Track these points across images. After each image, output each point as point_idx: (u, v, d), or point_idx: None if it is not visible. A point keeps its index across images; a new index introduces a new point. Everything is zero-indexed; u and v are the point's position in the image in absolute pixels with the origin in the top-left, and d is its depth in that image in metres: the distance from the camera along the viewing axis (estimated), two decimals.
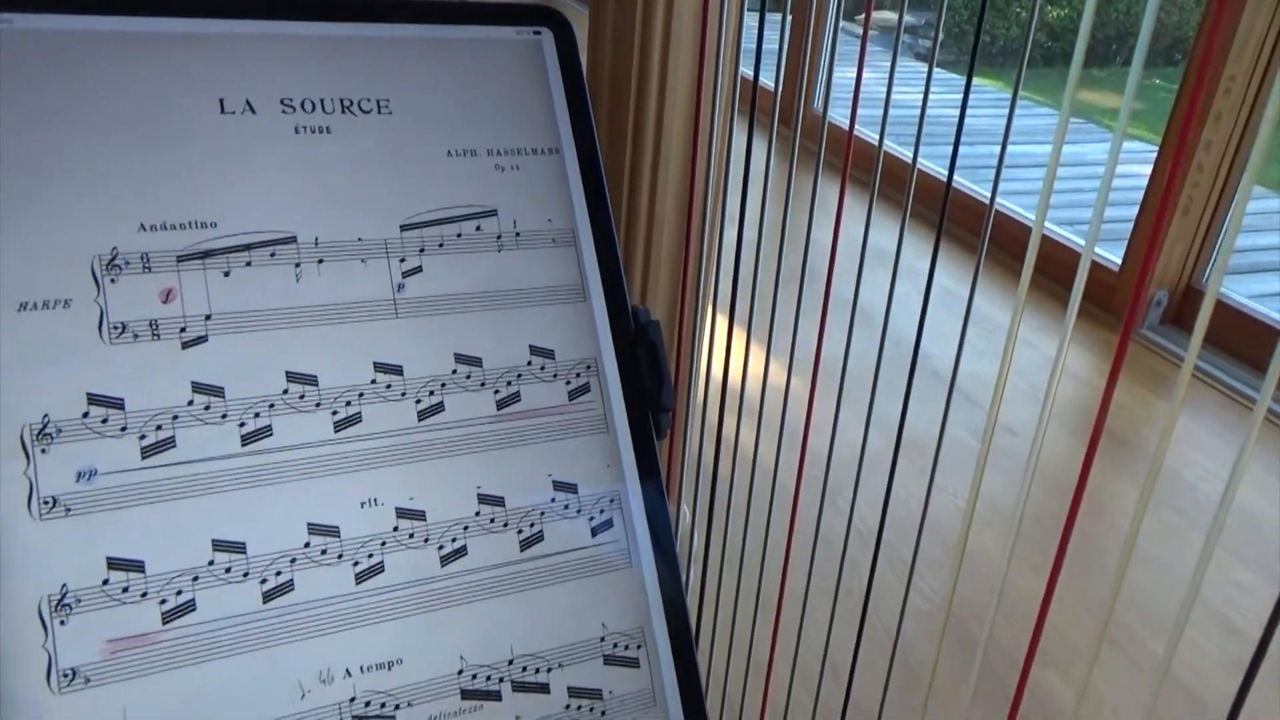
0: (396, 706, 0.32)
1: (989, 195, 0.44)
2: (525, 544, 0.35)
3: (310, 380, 0.33)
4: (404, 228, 0.35)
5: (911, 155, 0.53)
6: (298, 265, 0.33)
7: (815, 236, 0.58)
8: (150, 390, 0.30)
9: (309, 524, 0.32)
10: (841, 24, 0.71)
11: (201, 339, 0.31)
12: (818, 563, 0.63)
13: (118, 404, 0.30)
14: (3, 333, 0.29)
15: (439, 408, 0.34)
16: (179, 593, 0.30)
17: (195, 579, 0.30)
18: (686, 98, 0.47)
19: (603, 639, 0.35)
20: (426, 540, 0.33)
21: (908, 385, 0.54)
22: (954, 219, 2.23)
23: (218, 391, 0.31)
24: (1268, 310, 1.69)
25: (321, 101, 0.34)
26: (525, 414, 0.35)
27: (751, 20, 0.48)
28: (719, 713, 0.71)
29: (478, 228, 0.36)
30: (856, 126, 0.53)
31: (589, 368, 0.37)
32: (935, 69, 0.50)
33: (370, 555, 0.32)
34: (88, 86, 0.31)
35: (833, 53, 0.53)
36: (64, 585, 0.29)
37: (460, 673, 0.33)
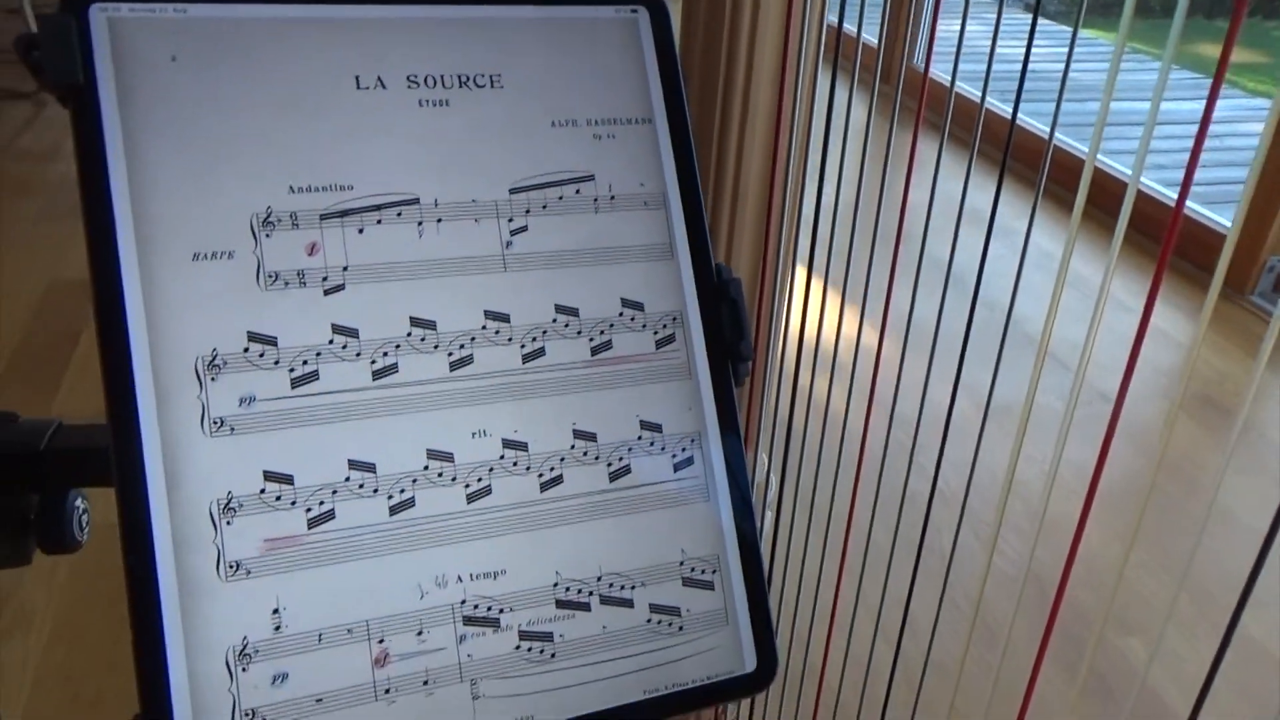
0: (500, 611, 0.37)
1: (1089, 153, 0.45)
2: (614, 475, 0.39)
3: (430, 325, 0.37)
4: (512, 191, 0.39)
5: (1012, 111, 0.53)
6: (420, 224, 0.38)
7: (897, 195, 0.59)
8: (298, 330, 0.36)
9: (428, 450, 0.37)
10: None
11: (340, 287, 0.36)
12: (893, 522, 0.66)
13: (272, 341, 0.35)
14: (182, 279, 0.34)
15: (540, 352, 0.38)
16: (321, 503, 0.35)
17: (334, 492, 0.35)
18: (773, 67, 0.50)
19: (681, 563, 0.39)
20: (528, 468, 0.38)
21: (1000, 348, 0.55)
22: (1056, 179, 2.16)
23: (353, 333, 0.36)
24: None
25: (442, 77, 0.39)
26: (616, 360, 0.39)
27: None
28: (788, 644, 0.75)
29: (577, 191, 0.40)
30: (957, 83, 0.54)
31: (675, 320, 0.41)
32: (1042, 20, 0.50)
33: (479, 479, 0.37)
34: (249, 67, 0.36)
35: (937, 3, 0.54)
36: (230, 492, 0.34)
37: (555, 585, 0.38)
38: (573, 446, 0.38)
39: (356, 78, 0.38)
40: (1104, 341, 0.48)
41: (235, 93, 0.36)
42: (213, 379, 0.34)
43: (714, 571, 0.40)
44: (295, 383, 0.35)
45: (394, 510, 0.36)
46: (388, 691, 0.35)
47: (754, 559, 0.40)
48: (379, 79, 0.38)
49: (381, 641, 0.35)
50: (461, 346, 0.38)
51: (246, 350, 0.35)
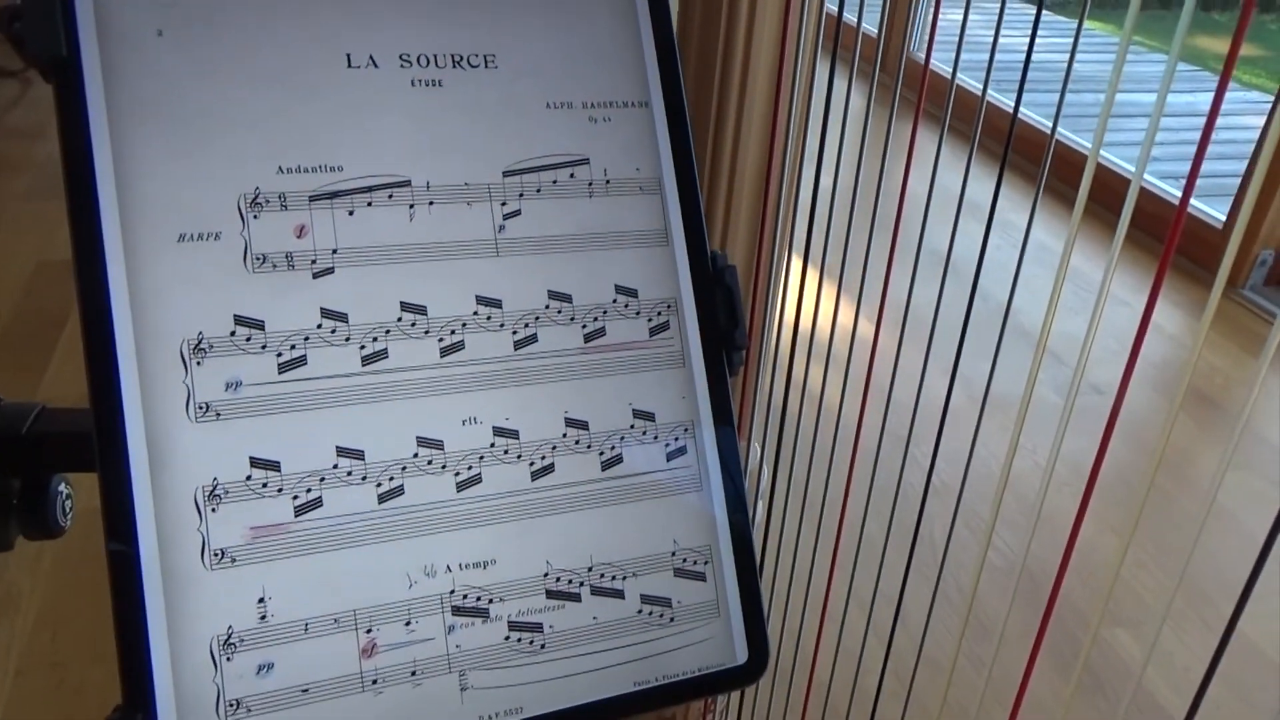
0: (490, 600, 0.36)
1: (1091, 147, 0.45)
2: (606, 464, 0.38)
3: (420, 310, 0.37)
4: (505, 174, 0.38)
5: (1014, 103, 0.53)
6: (411, 206, 0.37)
7: (895, 184, 0.59)
8: (286, 314, 0.35)
9: (418, 437, 0.36)
10: None
11: (329, 270, 0.36)
12: (885, 513, 0.66)
13: (259, 325, 0.35)
14: (167, 260, 0.34)
15: (533, 339, 0.38)
16: (308, 490, 0.34)
17: (322, 479, 0.35)
18: (771, 55, 0.49)
19: (673, 553, 0.39)
20: (519, 456, 0.37)
21: (998, 340, 0.55)
22: (1056, 172, 2.16)
23: (342, 317, 0.36)
24: None
25: (435, 57, 0.38)
26: (609, 347, 0.39)
27: None
28: (779, 636, 0.75)
29: (571, 175, 0.39)
30: (957, 74, 0.53)
31: (669, 307, 0.40)
32: (1045, 12, 0.50)
33: (470, 467, 0.37)
34: (237, 43, 0.35)
35: None
36: (215, 478, 0.34)
37: (546, 575, 0.37)
38: (564, 435, 0.38)
39: (348, 56, 0.37)
40: (1096, 333, 0.47)
41: (223, 69, 0.35)
42: (198, 363, 0.34)
43: (706, 562, 0.39)
44: (283, 367, 0.35)
45: (383, 498, 0.35)
46: (375, 682, 0.34)
47: (746, 550, 0.40)
48: (371, 58, 0.37)
49: (369, 631, 0.35)
50: (452, 332, 0.37)
51: (233, 334, 0.34)
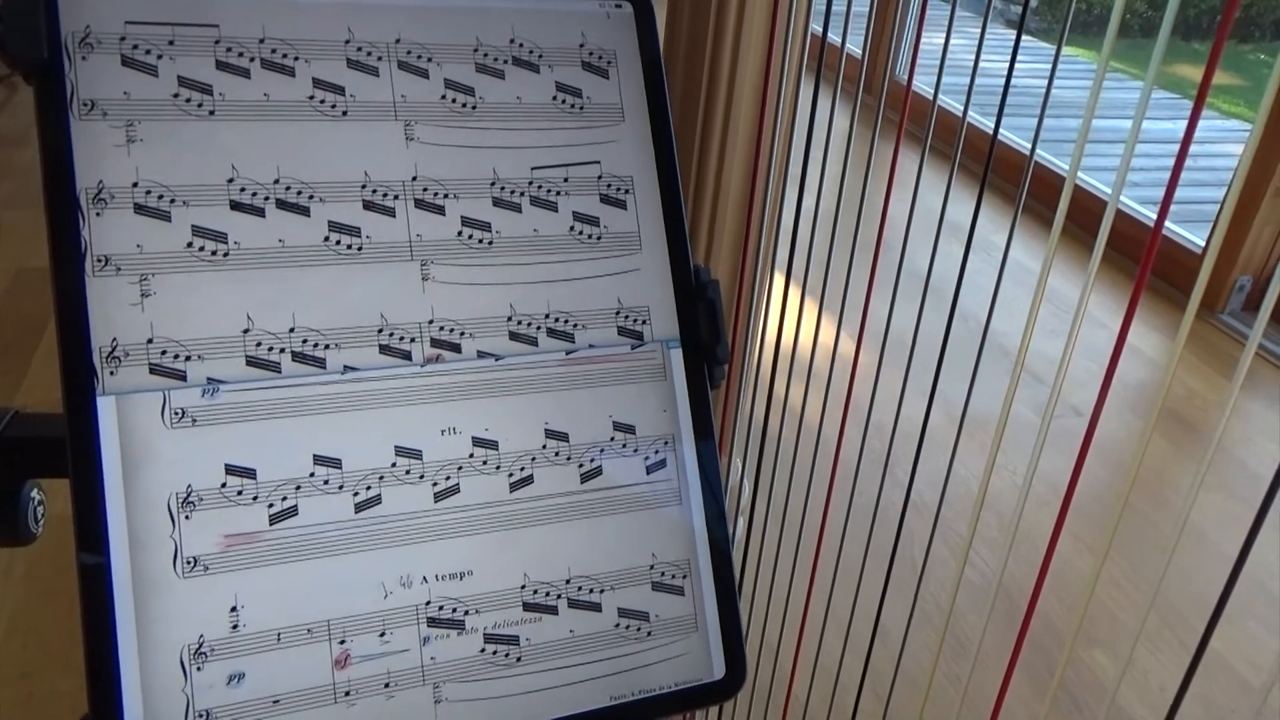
0: (466, 612, 0.36)
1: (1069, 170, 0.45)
2: (585, 477, 0.38)
3: (398, 322, 0.37)
4: (492, 183, 0.38)
5: (993, 126, 0.53)
6: (394, 205, 0.37)
7: (877, 204, 0.59)
8: (263, 319, 0.35)
9: (396, 446, 0.36)
10: None
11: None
12: (865, 531, 0.66)
13: (237, 330, 0.34)
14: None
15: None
16: (284, 498, 0.34)
17: (298, 488, 0.34)
18: (756, 72, 0.49)
19: (651, 567, 0.39)
20: (498, 468, 0.37)
21: (976, 360, 0.55)
22: (1035, 194, 2.18)
23: (318, 326, 0.35)
24: None
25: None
26: (590, 359, 0.39)
27: None
28: (757, 652, 0.75)
29: (563, 182, 0.39)
30: (939, 96, 0.54)
31: (645, 320, 0.40)
32: (1026, 36, 0.50)
33: (448, 477, 0.36)
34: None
35: (922, 16, 0.54)
36: (189, 485, 0.33)
37: (523, 587, 0.37)
38: (544, 446, 0.38)
39: (346, 58, 0.37)
40: (1074, 355, 0.48)
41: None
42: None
43: (684, 577, 0.39)
44: (258, 371, 0.34)
45: (359, 508, 0.35)
46: (348, 694, 0.34)
47: (725, 565, 0.40)
48: (365, 52, 0.37)
49: (343, 642, 0.34)
50: (432, 342, 0.37)
51: (210, 339, 0.34)
